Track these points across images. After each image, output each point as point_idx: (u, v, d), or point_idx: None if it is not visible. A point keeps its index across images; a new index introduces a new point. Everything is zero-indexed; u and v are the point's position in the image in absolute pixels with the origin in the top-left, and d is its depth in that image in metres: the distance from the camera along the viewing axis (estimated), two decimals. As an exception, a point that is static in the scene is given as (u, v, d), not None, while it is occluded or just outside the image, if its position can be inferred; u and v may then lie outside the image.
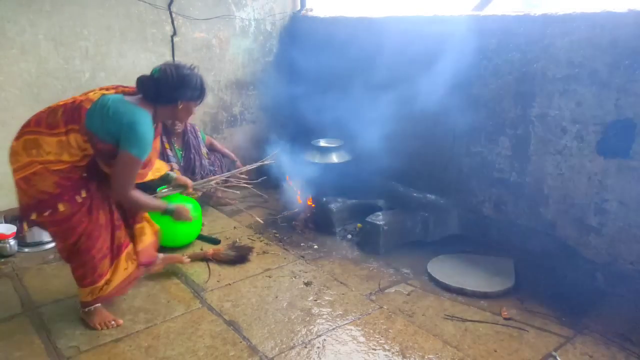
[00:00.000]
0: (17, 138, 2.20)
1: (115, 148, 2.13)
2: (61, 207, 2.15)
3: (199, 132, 3.96)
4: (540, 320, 2.51)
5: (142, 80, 2.22)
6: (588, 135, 2.69)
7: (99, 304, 2.44)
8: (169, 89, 2.20)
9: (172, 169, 2.86)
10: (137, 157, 2.12)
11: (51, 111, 2.20)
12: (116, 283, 2.42)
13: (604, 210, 2.69)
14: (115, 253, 2.40)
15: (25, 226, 2.24)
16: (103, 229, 2.32)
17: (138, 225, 2.57)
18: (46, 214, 2.15)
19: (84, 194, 2.21)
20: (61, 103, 2.23)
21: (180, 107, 2.27)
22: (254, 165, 3.46)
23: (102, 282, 2.36)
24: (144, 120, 2.15)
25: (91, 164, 2.22)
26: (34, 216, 2.17)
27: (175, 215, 2.52)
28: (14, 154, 2.19)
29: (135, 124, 2.10)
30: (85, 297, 2.38)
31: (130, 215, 2.54)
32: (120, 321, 2.45)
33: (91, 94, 2.22)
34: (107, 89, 2.27)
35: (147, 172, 2.38)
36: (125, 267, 2.45)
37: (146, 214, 2.64)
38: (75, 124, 2.12)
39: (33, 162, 2.12)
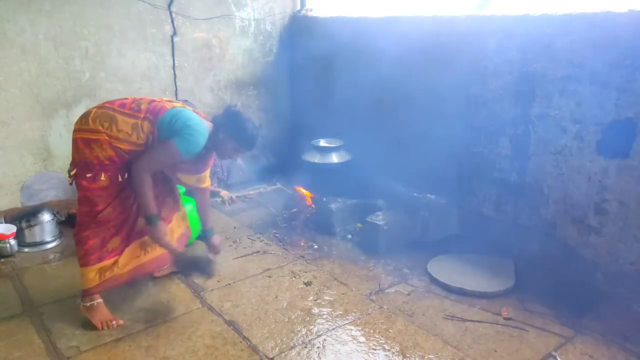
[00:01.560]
0: (98, 108, 2.42)
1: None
2: (103, 177, 2.34)
3: None
4: (540, 320, 2.51)
5: (224, 108, 2.59)
6: (588, 135, 2.69)
7: (100, 300, 2.46)
8: (225, 118, 2.51)
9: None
10: (178, 149, 2.31)
11: (135, 100, 2.43)
12: (126, 268, 2.48)
13: (604, 210, 2.69)
14: (131, 237, 2.49)
15: (70, 178, 2.42)
16: (129, 210, 2.47)
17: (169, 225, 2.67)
18: (88, 175, 2.32)
19: (126, 176, 2.41)
20: (148, 99, 2.46)
21: (221, 136, 2.47)
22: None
23: (111, 261, 2.42)
24: (201, 129, 2.37)
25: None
26: (73, 172, 2.36)
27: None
28: (86, 116, 2.38)
29: (191, 127, 2.33)
30: (90, 281, 2.39)
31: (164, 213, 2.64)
32: (121, 321, 2.46)
33: (174, 102, 2.49)
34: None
35: (194, 176, 2.68)
36: (138, 255, 2.52)
37: (184, 216, 2.83)
38: (152, 115, 2.36)
39: (101, 132, 2.32)
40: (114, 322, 2.45)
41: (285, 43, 4.65)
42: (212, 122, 2.53)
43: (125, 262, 2.48)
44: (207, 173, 2.75)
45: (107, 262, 2.42)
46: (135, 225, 2.50)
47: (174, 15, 3.94)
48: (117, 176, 2.38)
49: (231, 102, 4.50)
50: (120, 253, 2.46)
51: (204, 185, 2.75)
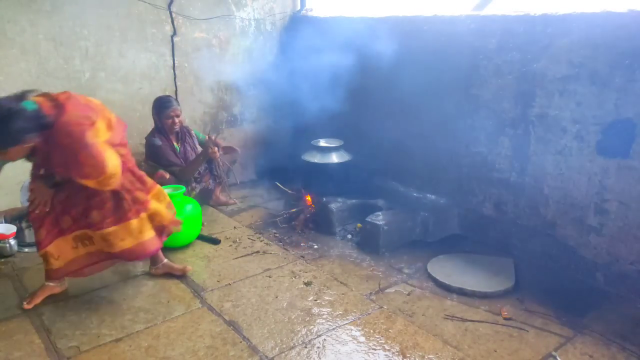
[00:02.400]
0: None
1: None
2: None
3: (192, 132, 4.00)
4: (540, 320, 2.51)
5: None
6: (588, 135, 2.69)
7: (51, 284, 2.66)
8: None
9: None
10: None
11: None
12: (65, 260, 2.58)
13: (604, 210, 2.69)
14: (56, 232, 2.56)
15: None
16: (51, 207, 2.52)
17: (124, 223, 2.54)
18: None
19: (41, 172, 2.53)
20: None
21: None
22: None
23: (42, 251, 2.55)
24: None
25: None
26: None
27: None
28: None
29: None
30: (45, 264, 2.61)
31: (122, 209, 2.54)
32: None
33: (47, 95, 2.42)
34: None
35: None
36: (74, 247, 2.58)
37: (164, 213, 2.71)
38: None
39: None
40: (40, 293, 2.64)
41: (285, 43, 4.65)
42: None
43: (64, 256, 2.58)
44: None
45: (42, 251, 2.55)
46: (60, 220, 2.54)
47: (174, 15, 3.94)
48: (38, 171, 2.53)
49: (231, 103, 4.51)
50: (48, 244, 2.55)
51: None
